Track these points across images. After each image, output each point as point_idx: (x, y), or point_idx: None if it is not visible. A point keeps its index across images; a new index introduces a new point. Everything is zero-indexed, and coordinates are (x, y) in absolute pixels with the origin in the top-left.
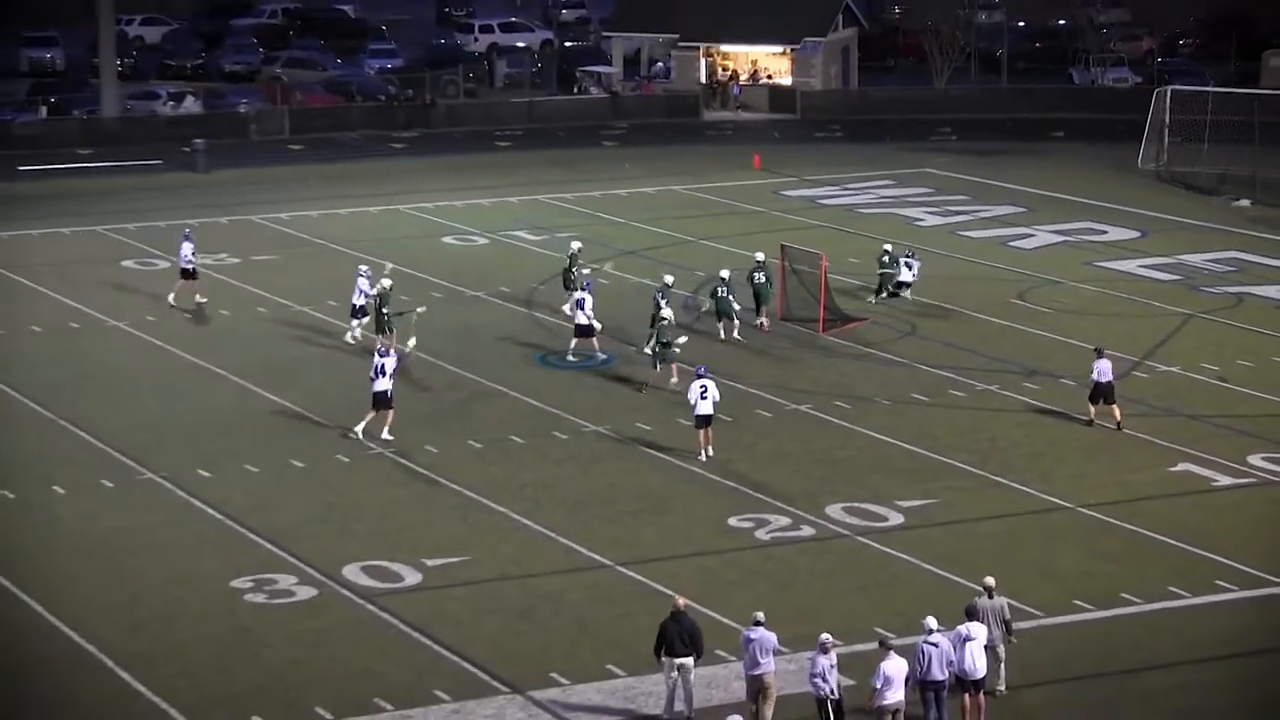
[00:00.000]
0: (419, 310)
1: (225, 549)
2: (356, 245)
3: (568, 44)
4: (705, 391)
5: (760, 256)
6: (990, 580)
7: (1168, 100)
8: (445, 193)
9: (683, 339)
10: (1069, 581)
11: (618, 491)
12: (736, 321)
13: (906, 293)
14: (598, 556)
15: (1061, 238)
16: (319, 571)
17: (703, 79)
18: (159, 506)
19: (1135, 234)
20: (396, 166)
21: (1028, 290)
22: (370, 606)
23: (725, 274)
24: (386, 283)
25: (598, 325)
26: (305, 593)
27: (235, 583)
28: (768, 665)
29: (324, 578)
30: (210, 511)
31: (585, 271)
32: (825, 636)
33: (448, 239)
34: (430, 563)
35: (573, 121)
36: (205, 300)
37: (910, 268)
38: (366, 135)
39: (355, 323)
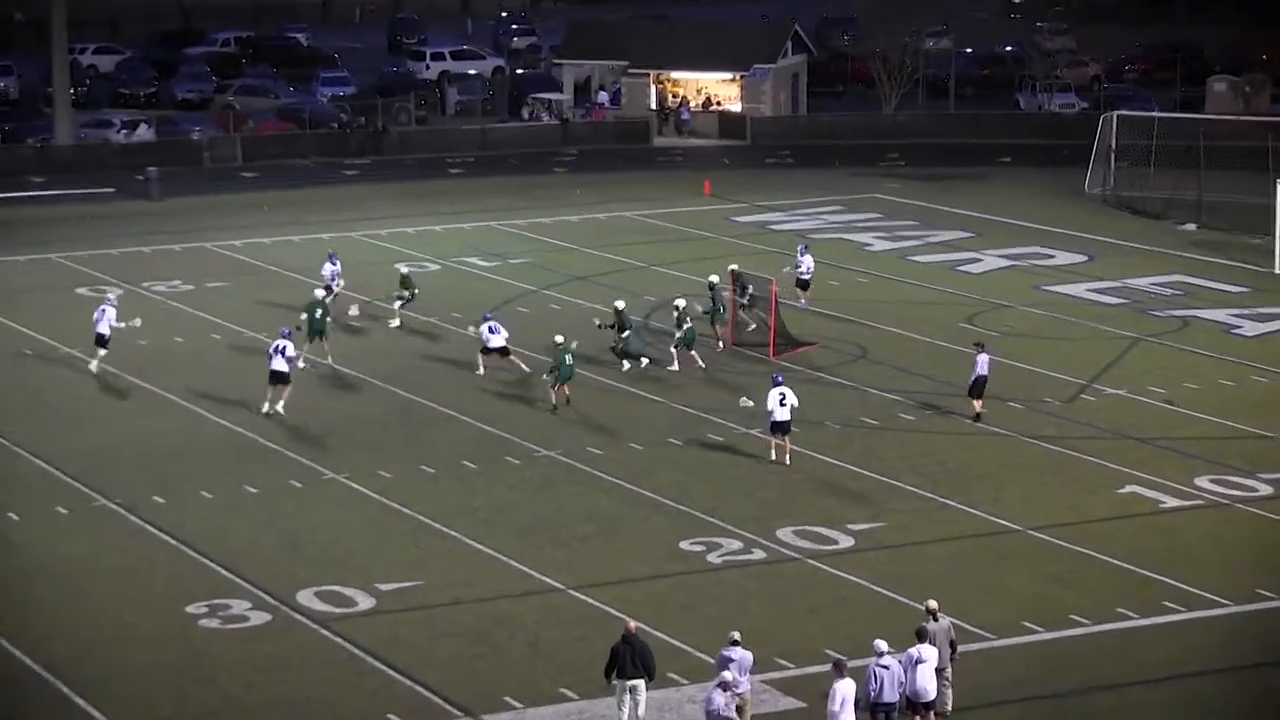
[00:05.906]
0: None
1: (179, 574)
2: (309, 272)
3: (519, 71)
4: (784, 399)
5: (714, 279)
6: (932, 603)
7: (1114, 125)
8: (398, 219)
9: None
10: (1018, 603)
11: (569, 515)
12: (695, 354)
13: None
14: (550, 580)
15: (1010, 262)
16: (272, 596)
17: (653, 105)
18: (113, 532)
19: (1082, 258)
20: (349, 193)
21: (977, 314)
22: (324, 631)
23: (680, 302)
24: (319, 293)
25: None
26: (259, 618)
27: (189, 608)
28: (744, 685)
29: (277, 603)
30: (164, 537)
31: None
32: (726, 675)
33: (400, 265)
34: (384, 587)
35: (524, 148)
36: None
37: (800, 266)
38: (319, 162)
39: (102, 352)
